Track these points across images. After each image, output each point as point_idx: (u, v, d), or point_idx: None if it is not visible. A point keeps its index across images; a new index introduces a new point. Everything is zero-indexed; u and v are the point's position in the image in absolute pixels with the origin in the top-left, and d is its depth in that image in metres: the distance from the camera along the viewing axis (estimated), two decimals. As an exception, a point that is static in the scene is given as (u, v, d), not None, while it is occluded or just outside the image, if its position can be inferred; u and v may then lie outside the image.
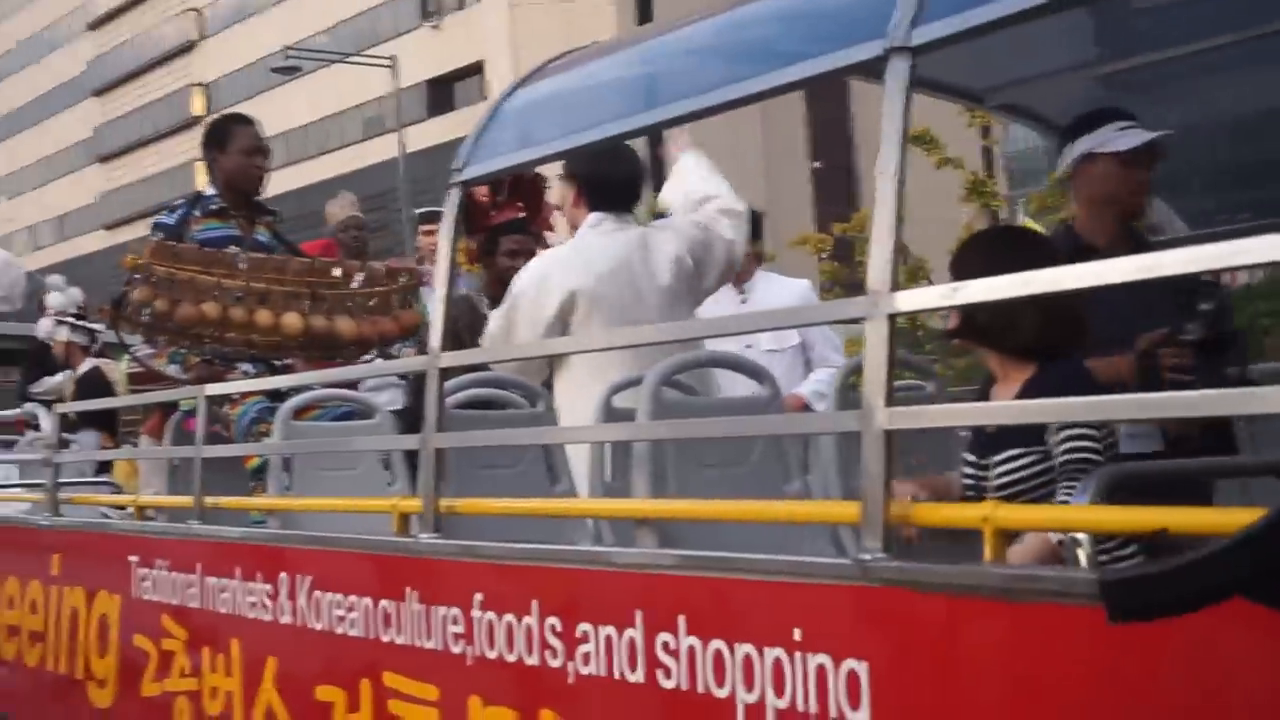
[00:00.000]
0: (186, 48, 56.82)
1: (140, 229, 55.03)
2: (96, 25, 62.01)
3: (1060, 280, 1.88)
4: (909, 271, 28.90)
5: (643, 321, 3.86)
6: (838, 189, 40.58)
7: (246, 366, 5.09)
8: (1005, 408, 2.50)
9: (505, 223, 5.20)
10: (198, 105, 56.22)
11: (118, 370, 7.73)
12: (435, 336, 3.14)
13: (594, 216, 4.10)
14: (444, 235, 3.15)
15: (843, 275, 18.80)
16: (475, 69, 44.02)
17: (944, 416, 2.50)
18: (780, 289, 5.45)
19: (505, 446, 3.71)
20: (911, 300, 2.06)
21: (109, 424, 7.94)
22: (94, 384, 7.74)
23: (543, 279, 4.00)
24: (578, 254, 4.05)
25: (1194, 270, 1.62)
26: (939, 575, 1.99)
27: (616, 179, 4.11)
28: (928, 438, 3.20)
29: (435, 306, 3.15)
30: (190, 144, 55.61)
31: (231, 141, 5.22)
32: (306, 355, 4.95)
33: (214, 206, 5.17)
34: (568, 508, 3.43)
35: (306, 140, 48.74)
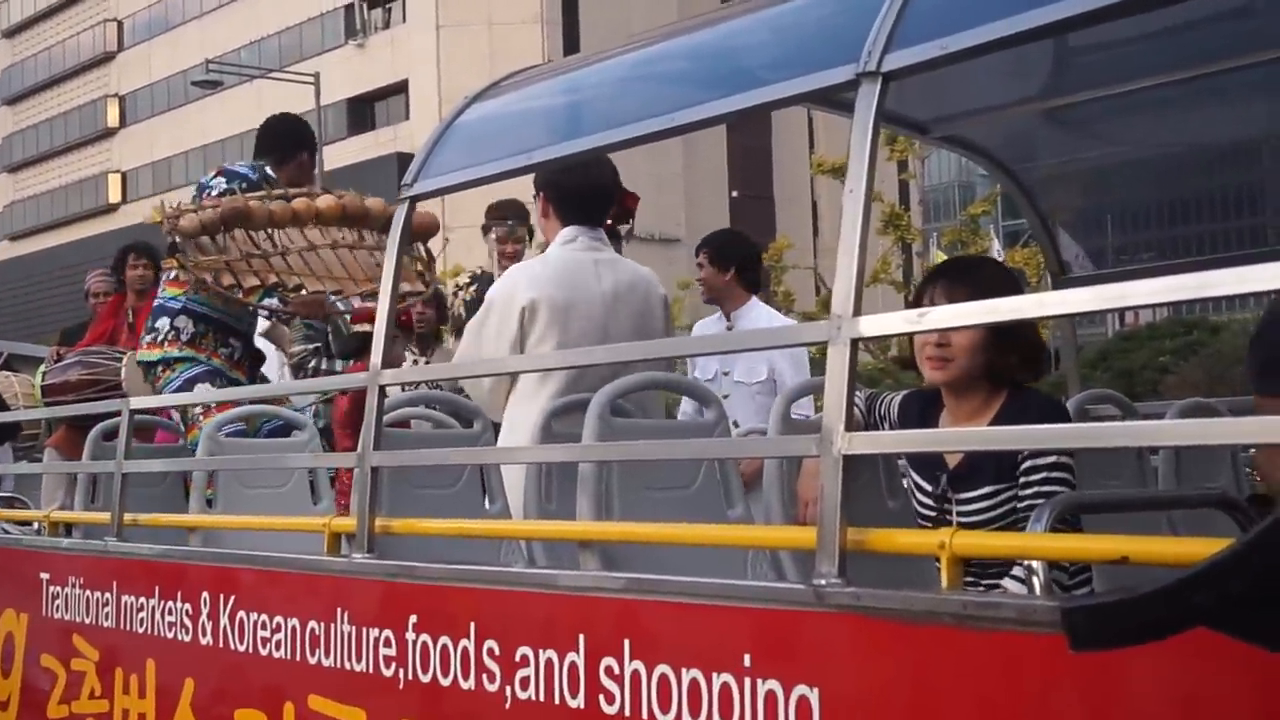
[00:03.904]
0: (105, 58, 55.88)
1: (48, 240, 53.80)
2: (12, 33, 60.79)
3: (1022, 309, 1.88)
4: (822, 302, 29.06)
5: (600, 342, 3.78)
6: (756, 217, 40.94)
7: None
8: (973, 434, 2.48)
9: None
10: (113, 117, 55.32)
11: (27, 384, 7.52)
12: (376, 353, 3.08)
13: (567, 231, 3.98)
14: (391, 247, 3.09)
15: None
16: (399, 88, 43.81)
17: (904, 442, 2.49)
18: (769, 321, 5.58)
19: (441, 466, 3.64)
20: (875, 325, 2.04)
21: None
22: None
23: (510, 291, 3.89)
24: (545, 268, 3.95)
25: (1165, 300, 1.62)
26: (895, 601, 1.98)
27: (585, 191, 3.98)
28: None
29: (379, 320, 3.09)
30: (104, 155, 54.83)
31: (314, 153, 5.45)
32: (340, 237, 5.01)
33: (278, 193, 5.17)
34: (511, 530, 3.37)
35: (224, 154, 48.15)
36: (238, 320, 5.17)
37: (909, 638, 1.97)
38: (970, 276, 2.77)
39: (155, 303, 5.29)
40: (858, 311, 2.04)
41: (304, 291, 4.86)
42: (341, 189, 5.46)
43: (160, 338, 5.11)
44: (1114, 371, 25.15)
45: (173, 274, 5.13)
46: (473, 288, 5.83)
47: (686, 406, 4.75)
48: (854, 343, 2.03)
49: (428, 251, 5.34)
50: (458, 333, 5.48)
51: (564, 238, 3.97)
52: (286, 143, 5.37)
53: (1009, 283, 2.85)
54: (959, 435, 2.48)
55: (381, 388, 3.09)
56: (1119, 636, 1.68)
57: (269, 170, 5.25)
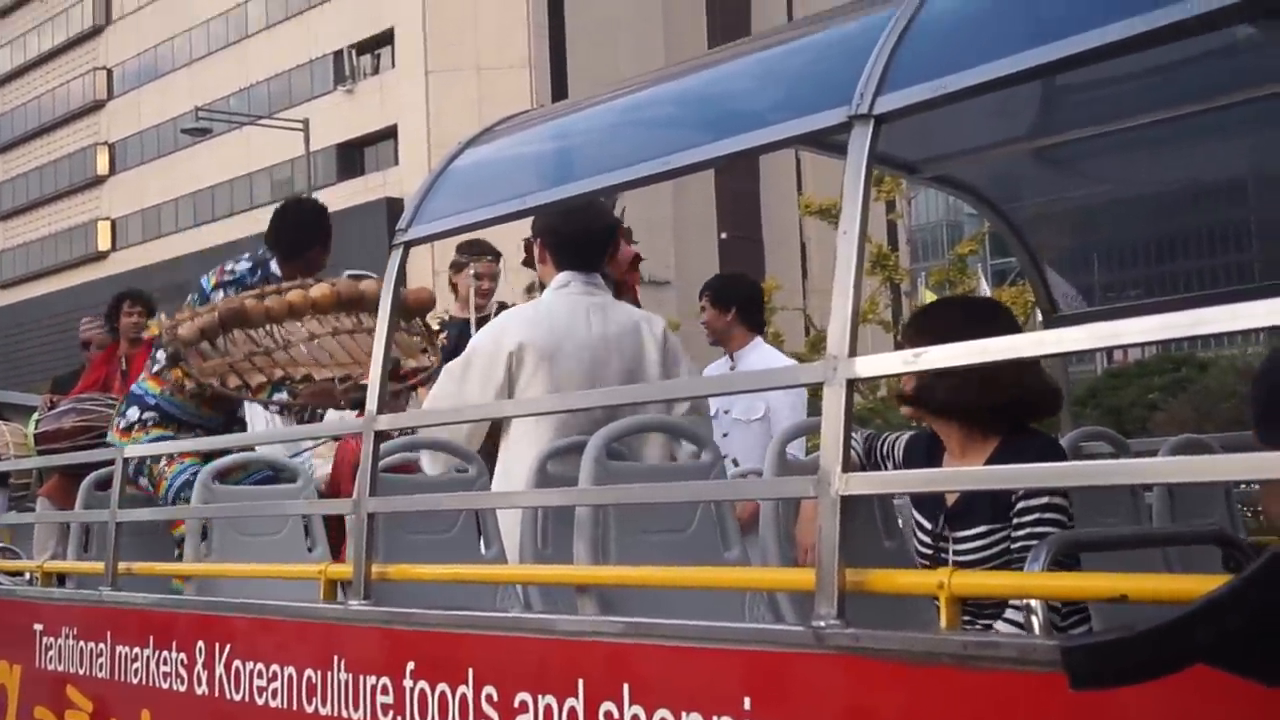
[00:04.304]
0: (94, 106, 55.98)
1: (38, 288, 53.42)
2: (1, 82, 60.95)
3: (1018, 348, 1.89)
4: (811, 343, 29.15)
5: (588, 388, 3.75)
6: (746, 259, 41.01)
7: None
8: (967, 473, 2.48)
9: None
10: (102, 164, 55.38)
11: (19, 434, 7.50)
12: (372, 400, 3.08)
13: (562, 276, 3.97)
14: (385, 294, 3.09)
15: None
16: (388, 134, 43.92)
17: (899, 482, 2.49)
18: (770, 360, 5.64)
19: (436, 511, 3.63)
20: (871, 366, 2.05)
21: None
22: None
23: (499, 337, 3.86)
24: (536, 312, 3.94)
25: (1159, 339, 1.63)
26: (895, 642, 1.98)
27: (580, 236, 3.97)
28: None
29: (373, 366, 3.09)
30: (94, 203, 54.83)
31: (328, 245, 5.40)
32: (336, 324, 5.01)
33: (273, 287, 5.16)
34: (508, 574, 3.36)
35: (214, 201, 48.23)
36: (208, 421, 5.15)
37: (909, 678, 1.96)
38: (930, 323, 2.82)
39: (133, 388, 5.26)
40: (853, 352, 2.05)
41: (314, 378, 4.85)
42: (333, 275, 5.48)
43: (127, 425, 5.12)
44: (1103, 408, 25.21)
45: (155, 369, 5.11)
46: (442, 335, 5.81)
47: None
48: (850, 384, 2.04)
49: (427, 326, 5.34)
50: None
51: (558, 283, 3.96)
52: (295, 238, 5.31)
53: (977, 323, 2.63)
54: (954, 475, 2.48)
55: (377, 434, 3.09)
56: (1119, 675, 1.68)
57: (274, 266, 5.23)
